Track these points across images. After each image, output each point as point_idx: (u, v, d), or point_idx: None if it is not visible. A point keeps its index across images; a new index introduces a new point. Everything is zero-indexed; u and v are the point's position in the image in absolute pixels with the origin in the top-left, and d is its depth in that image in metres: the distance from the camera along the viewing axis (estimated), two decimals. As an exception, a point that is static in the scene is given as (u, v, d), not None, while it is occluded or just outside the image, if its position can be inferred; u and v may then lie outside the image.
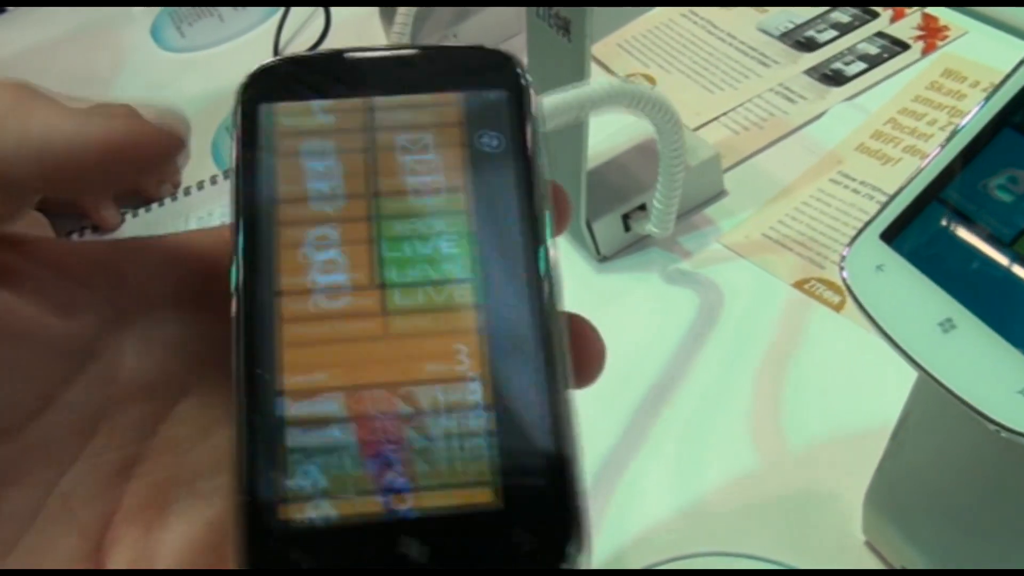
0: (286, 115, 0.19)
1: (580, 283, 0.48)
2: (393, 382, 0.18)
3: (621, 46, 0.61)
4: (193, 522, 0.18)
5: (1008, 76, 0.24)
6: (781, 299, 0.44)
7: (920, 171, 0.25)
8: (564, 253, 0.49)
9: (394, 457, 0.17)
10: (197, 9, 0.79)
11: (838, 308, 0.43)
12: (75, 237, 0.59)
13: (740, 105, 0.55)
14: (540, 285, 0.18)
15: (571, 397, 0.18)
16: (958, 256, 0.23)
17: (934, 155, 0.25)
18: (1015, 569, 0.28)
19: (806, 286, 0.44)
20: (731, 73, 0.57)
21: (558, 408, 0.17)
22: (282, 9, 0.70)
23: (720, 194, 0.50)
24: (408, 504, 0.17)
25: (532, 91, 0.20)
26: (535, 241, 0.19)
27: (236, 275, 0.18)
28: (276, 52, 0.69)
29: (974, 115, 0.24)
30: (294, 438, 0.17)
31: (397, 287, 0.18)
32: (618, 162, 0.50)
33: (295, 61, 0.20)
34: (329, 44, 0.68)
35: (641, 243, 0.49)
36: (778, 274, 0.45)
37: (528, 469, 0.17)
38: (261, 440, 0.17)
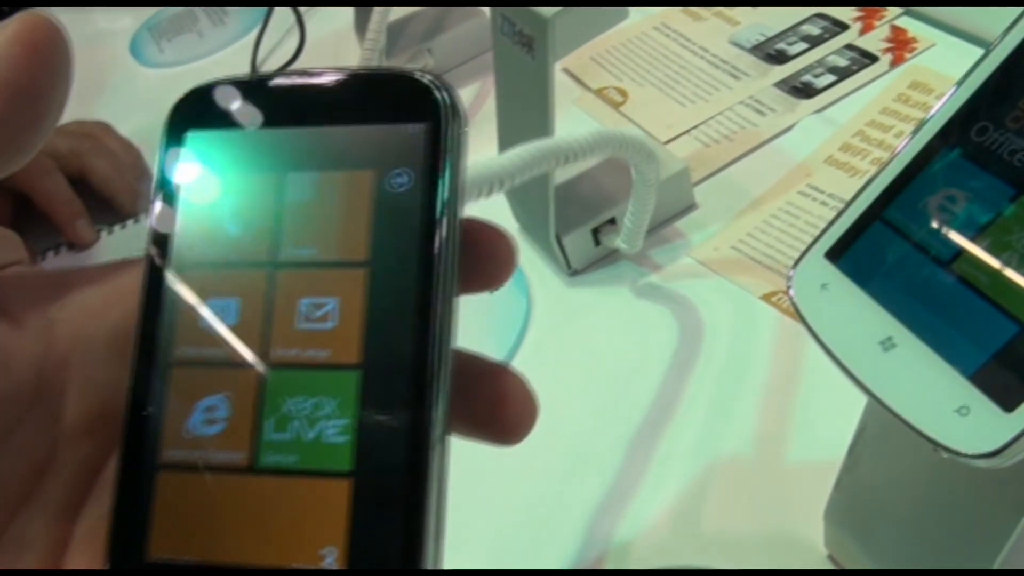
0: (203, 145, 0.20)
1: (551, 297, 0.48)
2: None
3: (594, 59, 0.61)
4: None
5: (948, 97, 0.24)
6: (750, 312, 0.45)
7: (864, 190, 0.25)
8: (535, 267, 0.49)
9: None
10: (176, 25, 0.79)
11: (805, 321, 0.43)
12: (50, 255, 0.59)
13: (711, 118, 0.55)
14: (430, 356, 0.18)
15: (438, 474, 0.18)
16: (899, 275, 0.24)
17: (877, 174, 0.25)
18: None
19: (774, 299, 0.45)
20: (702, 86, 0.57)
21: (423, 482, 0.17)
22: (259, 26, 0.70)
23: (690, 207, 0.50)
24: (257, 561, 0.18)
25: (452, 122, 0.19)
26: (426, 307, 0.18)
27: (136, 328, 0.19)
28: (253, 67, 0.69)
29: (913, 136, 0.25)
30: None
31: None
32: (588, 176, 0.50)
33: (220, 85, 0.20)
34: (304, 60, 0.68)
35: (611, 257, 0.49)
36: (747, 288, 0.46)
37: (379, 539, 0.17)
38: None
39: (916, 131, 0.25)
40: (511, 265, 0.20)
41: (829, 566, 0.35)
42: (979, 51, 0.24)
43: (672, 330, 0.45)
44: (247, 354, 0.19)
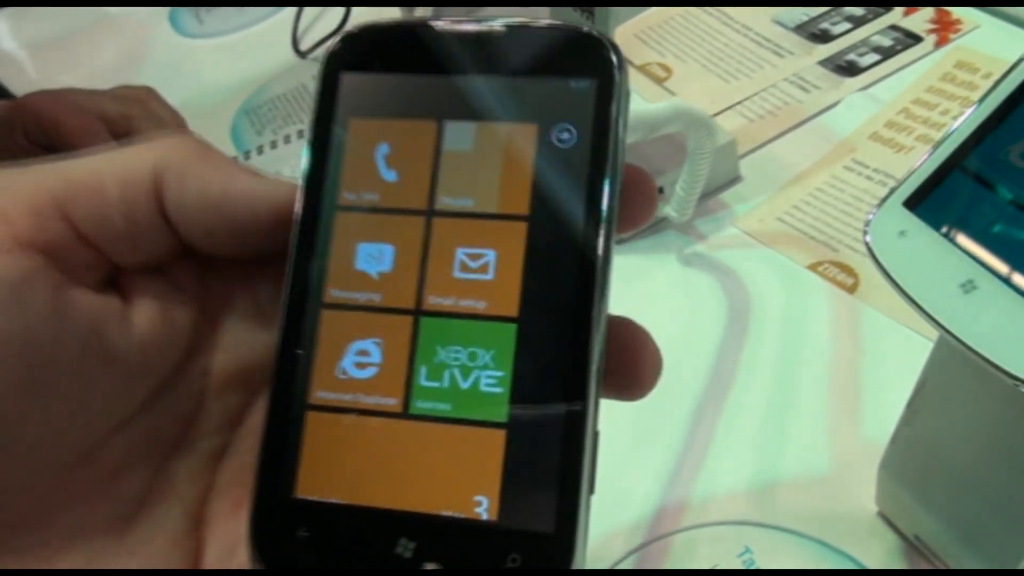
0: (361, 88, 0.19)
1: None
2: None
3: (638, 36, 0.62)
4: None
5: (1030, 50, 0.25)
6: (795, 281, 0.45)
7: (943, 141, 0.26)
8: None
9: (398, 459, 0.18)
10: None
11: (851, 290, 0.44)
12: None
13: (755, 94, 0.56)
14: (589, 316, 0.18)
15: (593, 435, 0.18)
16: (979, 221, 0.24)
17: (956, 125, 0.26)
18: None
19: (820, 268, 0.45)
20: (746, 63, 0.58)
21: (579, 440, 0.17)
22: (300, -3, 0.71)
23: (735, 179, 0.51)
24: (407, 506, 0.18)
25: (619, 81, 0.18)
26: (590, 257, 0.18)
27: (288, 268, 0.19)
28: (294, 39, 0.69)
29: (994, 86, 0.25)
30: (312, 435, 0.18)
31: (432, 314, 0.18)
32: (635, 147, 0.50)
33: (379, 29, 0.20)
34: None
35: (658, 225, 0.49)
36: (792, 257, 0.46)
37: (532, 492, 0.17)
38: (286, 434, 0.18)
39: (997, 84, 0.26)
40: (655, 204, 0.20)
41: (879, 523, 0.36)
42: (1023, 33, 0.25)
43: (720, 298, 0.45)
44: (402, 300, 0.18)
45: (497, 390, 0.18)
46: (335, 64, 0.20)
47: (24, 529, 0.19)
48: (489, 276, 0.18)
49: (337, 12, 0.70)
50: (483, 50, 0.19)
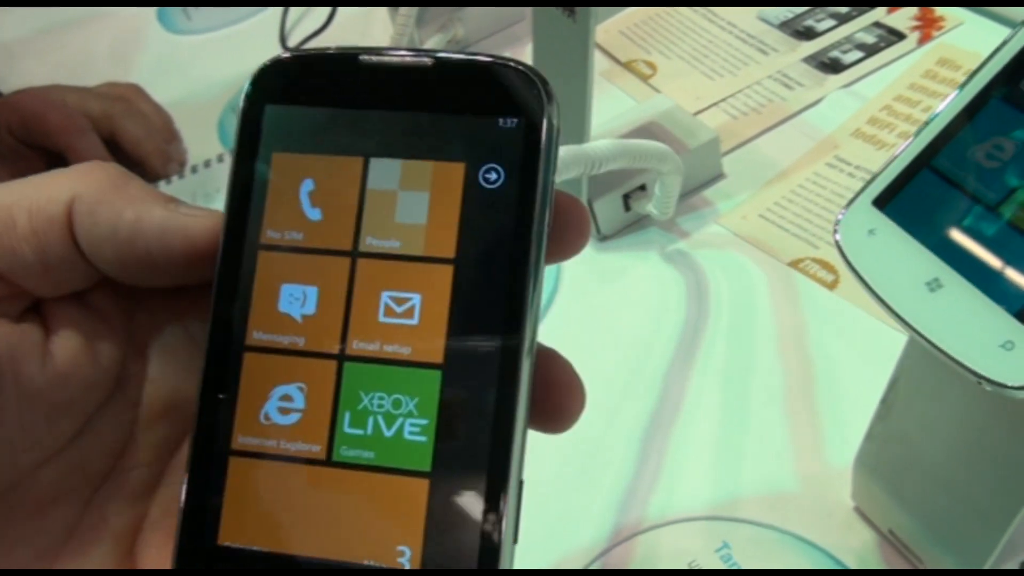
0: (286, 122, 0.19)
1: (581, 261, 0.48)
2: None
3: (623, 33, 0.62)
4: None
5: (994, 52, 0.25)
6: (777, 278, 0.45)
7: (912, 141, 0.26)
8: (565, 232, 0.50)
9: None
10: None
11: (831, 286, 0.44)
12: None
13: (739, 91, 0.56)
14: (516, 364, 0.17)
15: (517, 484, 0.17)
16: (946, 219, 0.24)
17: (925, 126, 0.26)
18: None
19: (801, 265, 0.46)
20: (731, 60, 0.58)
21: (503, 490, 0.17)
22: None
23: (718, 176, 0.51)
24: (330, 555, 0.17)
25: (548, 118, 0.18)
26: (518, 298, 0.18)
27: (211, 310, 0.19)
28: (282, 35, 0.69)
29: (962, 86, 0.25)
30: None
31: (356, 361, 0.18)
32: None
33: (304, 60, 0.19)
34: (334, 29, 0.69)
35: (641, 223, 0.50)
36: (774, 254, 0.47)
37: (455, 542, 0.17)
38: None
39: (964, 84, 0.26)
40: (588, 235, 0.20)
41: (855, 518, 0.36)
42: (1006, 31, 0.25)
43: (701, 294, 0.46)
44: (326, 344, 0.18)
45: (421, 438, 0.18)
46: (259, 96, 0.19)
47: None
48: (414, 321, 0.18)
49: (324, 8, 0.70)
50: (412, 85, 0.19)
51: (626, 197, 0.49)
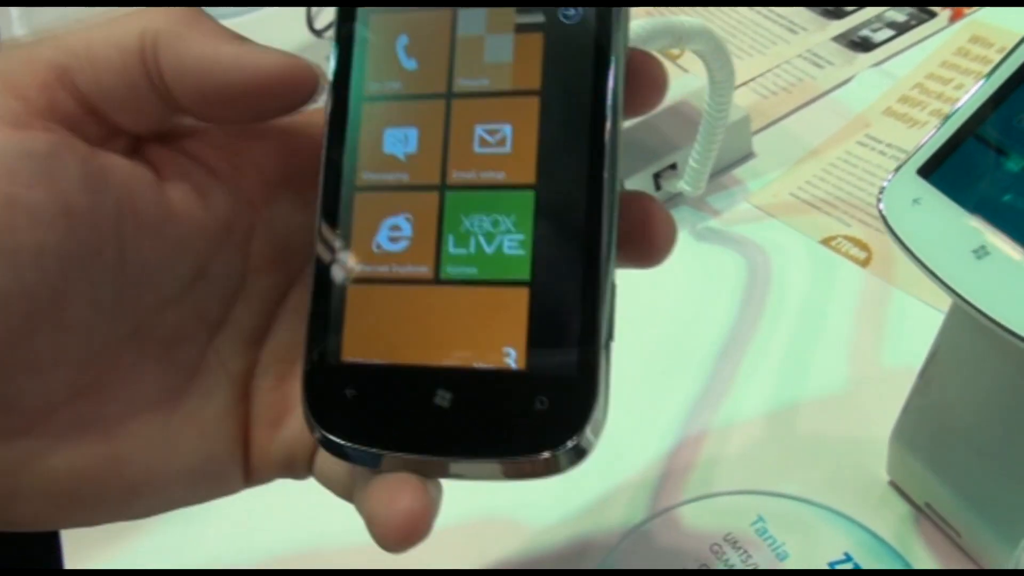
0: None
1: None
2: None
3: (649, 13, 0.62)
4: None
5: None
6: (809, 255, 0.46)
7: (957, 110, 0.26)
8: (595, 211, 0.50)
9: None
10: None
11: (864, 263, 0.44)
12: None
13: (769, 71, 0.56)
14: (601, 180, 0.19)
15: (610, 287, 0.19)
16: (993, 188, 0.25)
17: (970, 95, 0.26)
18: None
19: (833, 243, 0.46)
20: (759, 39, 0.58)
21: (596, 292, 0.19)
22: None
23: (748, 156, 0.51)
24: (443, 361, 0.19)
25: None
26: (600, 122, 0.19)
27: (323, 155, 0.20)
28: (308, 18, 0.70)
29: (1007, 55, 0.25)
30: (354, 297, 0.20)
31: (458, 188, 0.20)
32: (649, 123, 0.51)
33: None
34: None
35: (672, 201, 0.50)
36: (806, 231, 0.47)
37: (555, 341, 0.19)
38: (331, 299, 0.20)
39: (1010, 53, 0.26)
40: (665, 88, 0.21)
41: (891, 494, 0.36)
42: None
43: (734, 270, 0.46)
44: (428, 177, 0.20)
45: (519, 252, 0.19)
46: None
47: (84, 400, 0.19)
48: (507, 149, 0.20)
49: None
50: None
51: (656, 176, 0.49)
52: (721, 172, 0.51)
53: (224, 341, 0.21)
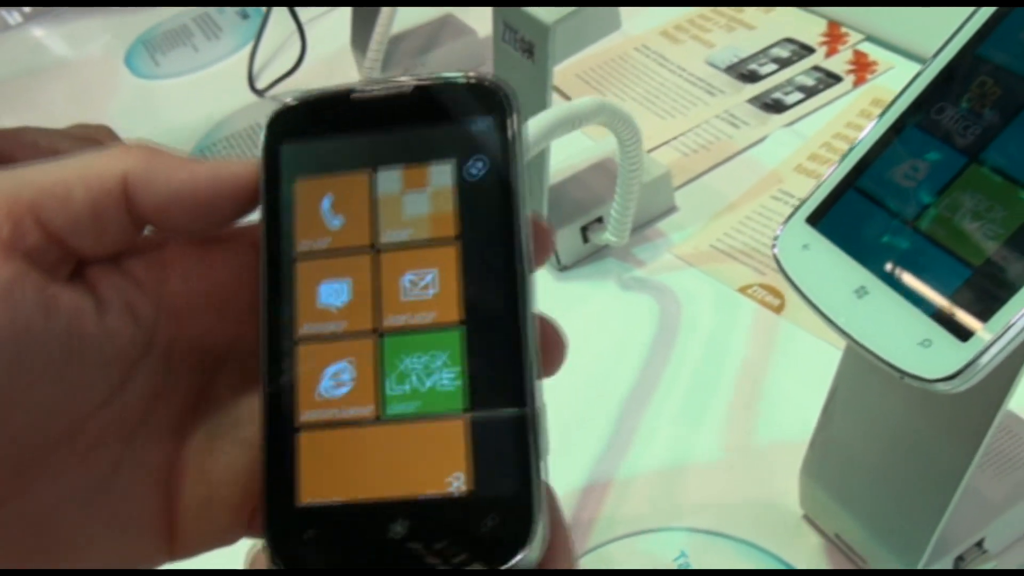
0: (299, 154, 0.23)
1: (542, 290, 0.50)
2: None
3: (579, 76, 0.65)
4: (236, 453, 0.23)
5: (907, 85, 0.28)
6: (727, 303, 0.48)
7: (839, 165, 0.29)
8: (527, 263, 0.52)
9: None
10: (171, 39, 0.82)
11: (778, 310, 0.47)
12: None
13: (689, 130, 0.59)
14: (520, 311, 0.21)
15: (542, 406, 0.21)
16: (870, 234, 0.27)
17: (849, 152, 0.29)
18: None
19: (749, 291, 0.48)
20: (681, 101, 0.61)
21: (530, 413, 0.20)
22: (253, 40, 0.73)
23: (671, 209, 0.54)
24: (394, 494, 0.20)
25: (515, 113, 0.22)
26: (516, 264, 0.21)
27: (262, 313, 0.22)
28: (250, 77, 0.72)
29: (881, 117, 0.28)
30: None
31: (393, 334, 0.21)
32: (577, 178, 0.53)
33: (306, 102, 0.23)
34: (303, 73, 0.71)
35: (598, 253, 0.52)
36: (724, 280, 0.49)
37: (495, 464, 0.20)
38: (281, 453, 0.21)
39: (883, 113, 0.29)
40: (551, 244, 0.23)
41: (805, 526, 0.38)
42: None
43: (656, 319, 0.48)
44: (364, 324, 0.21)
45: (455, 384, 0.21)
46: (274, 138, 0.23)
47: (12, 501, 0.21)
48: (433, 292, 0.21)
49: (293, 50, 0.72)
50: (399, 107, 0.23)
51: (584, 229, 0.51)
52: (646, 225, 0.53)
53: (145, 437, 0.22)
